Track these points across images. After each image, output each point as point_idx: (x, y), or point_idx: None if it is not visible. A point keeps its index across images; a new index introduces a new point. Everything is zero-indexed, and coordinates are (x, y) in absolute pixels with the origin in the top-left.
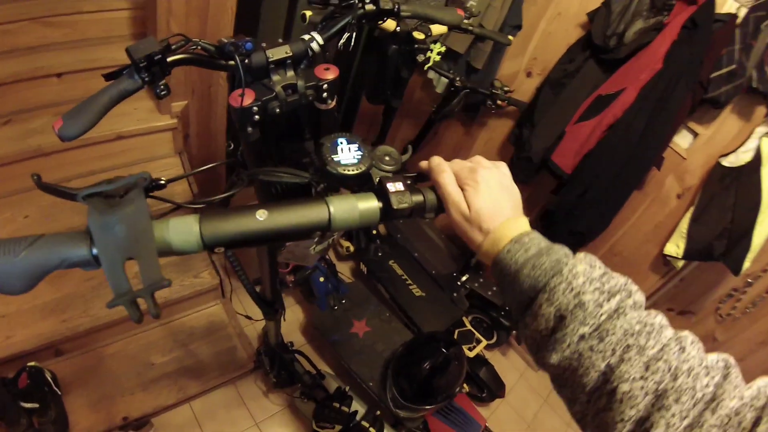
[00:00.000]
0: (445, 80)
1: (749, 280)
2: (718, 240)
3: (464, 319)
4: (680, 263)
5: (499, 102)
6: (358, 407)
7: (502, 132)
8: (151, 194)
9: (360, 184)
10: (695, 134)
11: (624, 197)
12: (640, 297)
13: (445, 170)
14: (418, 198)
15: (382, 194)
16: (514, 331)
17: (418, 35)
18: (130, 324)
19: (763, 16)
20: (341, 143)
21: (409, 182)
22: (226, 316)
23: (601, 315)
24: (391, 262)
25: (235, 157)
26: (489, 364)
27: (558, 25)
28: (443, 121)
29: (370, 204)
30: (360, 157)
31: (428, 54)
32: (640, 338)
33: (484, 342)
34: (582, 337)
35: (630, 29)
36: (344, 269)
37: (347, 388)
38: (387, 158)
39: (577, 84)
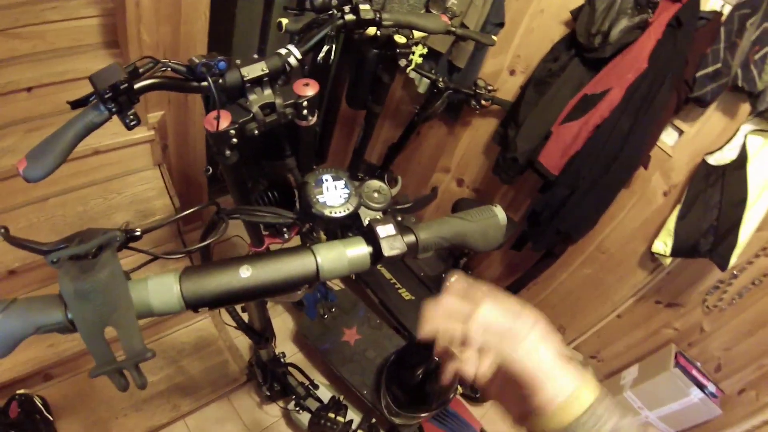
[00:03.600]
0: (427, 80)
1: (735, 272)
2: (705, 237)
3: None
4: (668, 260)
5: (482, 102)
6: (353, 416)
7: (486, 131)
8: (128, 246)
9: (348, 225)
10: (680, 132)
11: (611, 197)
12: None
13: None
14: (410, 239)
15: (372, 239)
16: None
17: (400, 39)
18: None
19: (748, 13)
20: (326, 181)
21: (400, 219)
22: (215, 330)
23: None
24: (378, 266)
25: (215, 201)
26: None
27: (541, 22)
28: (426, 122)
29: (359, 250)
30: (347, 196)
31: (410, 57)
32: None
33: None
34: None
35: (615, 28)
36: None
37: (342, 398)
38: (376, 195)
39: (562, 83)
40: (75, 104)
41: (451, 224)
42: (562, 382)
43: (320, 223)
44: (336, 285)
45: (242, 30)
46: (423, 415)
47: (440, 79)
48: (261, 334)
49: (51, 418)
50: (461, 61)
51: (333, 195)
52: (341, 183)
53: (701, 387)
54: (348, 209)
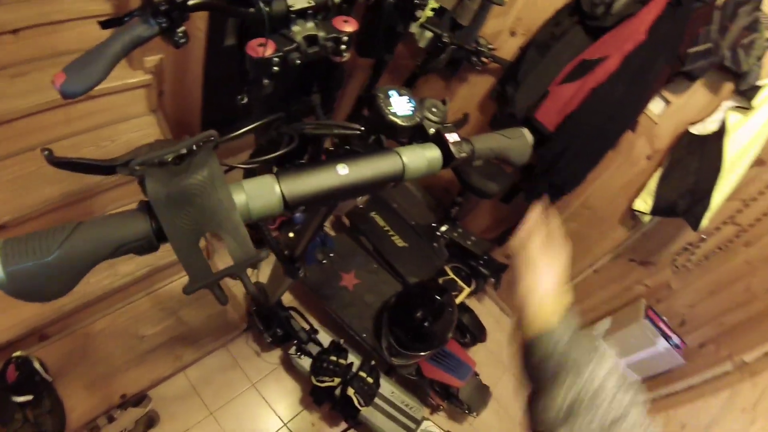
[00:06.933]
0: (428, 35)
1: (703, 236)
2: (682, 198)
3: (446, 268)
4: (647, 218)
5: (483, 59)
6: (353, 359)
7: (483, 88)
8: None
9: (414, 134)
10: (667, 102)
11: (600, 155)
12: None
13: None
14: (469, 148)
15: (442, 144)
16: (491, 279)
17: None
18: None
19: (741, 1)
20: (393, 95)
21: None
22: None
23: None
24: (372, 214)
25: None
26: (471, 311)
27: None
28: (425, 75)
29: (434, 153)
30: (414, 108)
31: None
32: None
33: (467, 290)
34: None
35: (618, 0)
36: (326, 224)
37: (342, 341)
38: (434, 110)
39: (563, 47)
40: (107, 24)
41: (497, 139)
42: (546, 300)
43: (391, 132)
44: (331, 232)
45: None
46: (423, 354)
47: (446, 35)
48: (295, 262)
49: (50, 379)
50: (465, 20)
51: (402, 107)
52: (405, 98)
53: (667, 338)
54: (416, 120)
